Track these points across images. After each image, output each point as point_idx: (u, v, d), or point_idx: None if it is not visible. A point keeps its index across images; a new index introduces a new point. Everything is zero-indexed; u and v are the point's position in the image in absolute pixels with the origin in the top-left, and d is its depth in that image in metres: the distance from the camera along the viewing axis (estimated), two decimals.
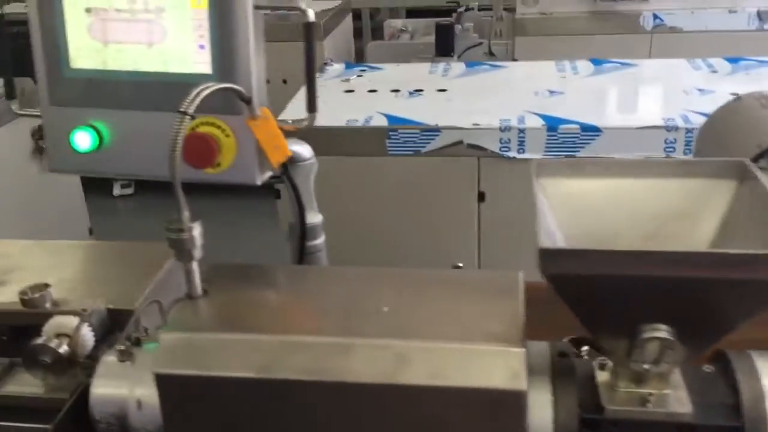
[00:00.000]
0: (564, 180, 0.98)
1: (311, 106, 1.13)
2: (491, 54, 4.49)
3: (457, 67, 3.52)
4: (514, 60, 4.29)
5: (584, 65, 3.37)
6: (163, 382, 0.94)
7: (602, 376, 0.96)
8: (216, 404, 0.94)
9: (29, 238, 1.39)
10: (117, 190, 5.44)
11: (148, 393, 1.00)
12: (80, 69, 1.12)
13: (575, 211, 0.95)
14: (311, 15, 1.07)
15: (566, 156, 2.67)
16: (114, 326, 1.21)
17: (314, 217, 1.26)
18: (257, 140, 1.09)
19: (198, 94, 0.96)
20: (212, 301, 1.02)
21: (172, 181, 0.94)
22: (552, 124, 2.66)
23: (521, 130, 2.66)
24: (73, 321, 1.13)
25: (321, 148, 2.87)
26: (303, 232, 1.22)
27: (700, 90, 2.92)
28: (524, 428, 0.89)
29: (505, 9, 4.63)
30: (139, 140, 1.14)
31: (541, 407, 0.92)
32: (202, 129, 1.10)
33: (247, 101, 1.06)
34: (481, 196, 2.79)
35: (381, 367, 0.89)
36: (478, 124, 2.70)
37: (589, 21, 4.33)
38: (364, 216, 2.83)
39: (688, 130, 2.56)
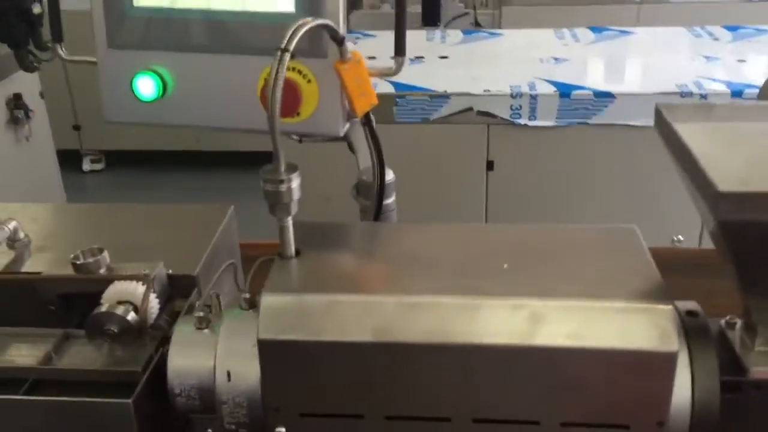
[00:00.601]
0: (694, 123, 0.91)
1: (399, 49, 1.04)
2: (477, 24, 4.41)
3: (455, 34, 3.43)
4: (500, 29, 4.22)
5: (584, 33, 3.31)
6: (268, 349, 0.85)
7: (733, 336, 0.90)
8: (327, 371, 0.85)
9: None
10: (87, 165, 5.24)
11: (240, 363, 0.91)
12: (145, 7, 1.00)
13: (710, 154, 0.88)
14: None
15: (579, 123, 2.61)
16: (174, 293, 1.11)
17: (388, 174, 1.17)
18: (344, 86, 0.99)
19: (296, 30, 0.86)
20: (308, 262, 0.93)
21: (271, 127, 0.84)
22: (564, 90, 2.60)
23: (533, 97, 2.60)
24: (136, 287, 1.03)
25: None
26: (381, 190, 1.13)
27: (706, 57, 2.89)
28: (670, 391, 0.82)
29: None
30: (209, 87, 1.03)
31: (678, 369, 0.85)
32: None
33: (340, 42, 0.96)
34: (490, 165, 2.73)
35: (515, 328, 0.82)
36: (488, 91, 2.62)
37: None
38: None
39: (702, 96, 2.52)
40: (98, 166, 5.29)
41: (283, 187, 0.88)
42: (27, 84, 3.56)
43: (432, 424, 0.86)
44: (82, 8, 1.15)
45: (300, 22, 0.87)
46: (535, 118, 2.63)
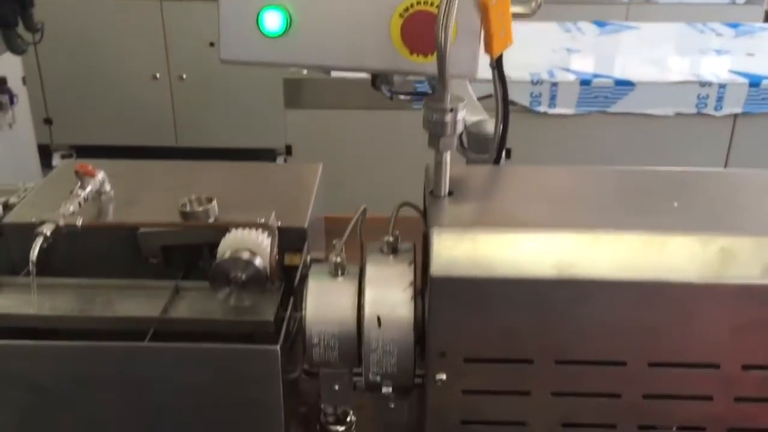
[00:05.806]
0: None
1: None
2: None
3: None
4: None
5: (587, 26, 3.32)
6: (440, 287, 0.80)
7: None
8: (500, 311, 0.80)
9: None
10: (57, 161, 5.04)
11: (390, 308, 0.85)
12: None
13: None
14: None
15: (598, 111, 2.61)
16: (282, 246, 1.04)
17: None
18: (488, 23, 0.94)
19: None
20: (464, 201, 0.88)
21: (439, 56, 0.79)
22: (585, 77, 2.59)
23: (554, 84, 2.58)
24: (257, 235, 0.96)
25: (332, 101, 2.69)
26: (504, 136, 1.10)
27: (716, 51, 2.92)
28: None
29: None
30: (336, 22, 0.96)
31: None
32: (420, 7, 0.94)
33: None
34: (507, 153, 2.69)
35: (706, 264, 0.78)
36: (508, 77, 2.59)
37: None
38: (380, 167, 2.69)
39: (721, 86, 2.54)
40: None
41: (449, 117, 0.83)
42: (10, 68, 3.41)
43: (604, 369, 0.82)
44: None
45: None
46: (554, 106, 2.61)
